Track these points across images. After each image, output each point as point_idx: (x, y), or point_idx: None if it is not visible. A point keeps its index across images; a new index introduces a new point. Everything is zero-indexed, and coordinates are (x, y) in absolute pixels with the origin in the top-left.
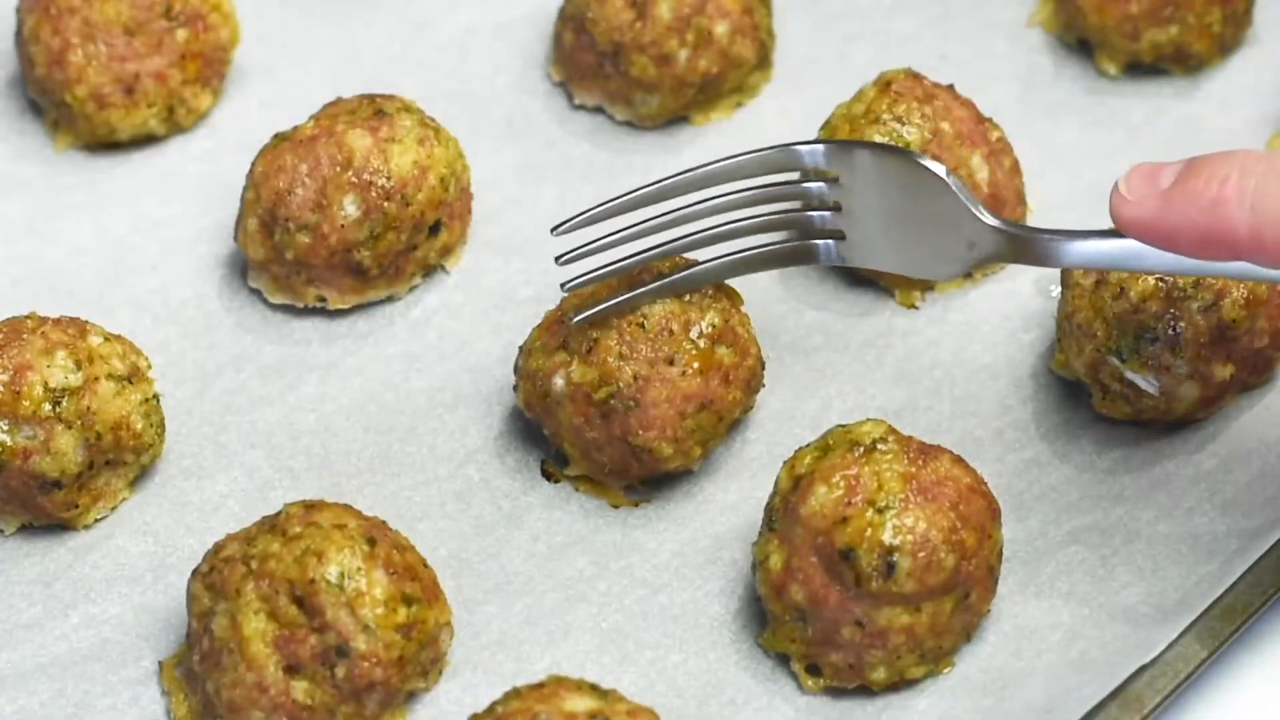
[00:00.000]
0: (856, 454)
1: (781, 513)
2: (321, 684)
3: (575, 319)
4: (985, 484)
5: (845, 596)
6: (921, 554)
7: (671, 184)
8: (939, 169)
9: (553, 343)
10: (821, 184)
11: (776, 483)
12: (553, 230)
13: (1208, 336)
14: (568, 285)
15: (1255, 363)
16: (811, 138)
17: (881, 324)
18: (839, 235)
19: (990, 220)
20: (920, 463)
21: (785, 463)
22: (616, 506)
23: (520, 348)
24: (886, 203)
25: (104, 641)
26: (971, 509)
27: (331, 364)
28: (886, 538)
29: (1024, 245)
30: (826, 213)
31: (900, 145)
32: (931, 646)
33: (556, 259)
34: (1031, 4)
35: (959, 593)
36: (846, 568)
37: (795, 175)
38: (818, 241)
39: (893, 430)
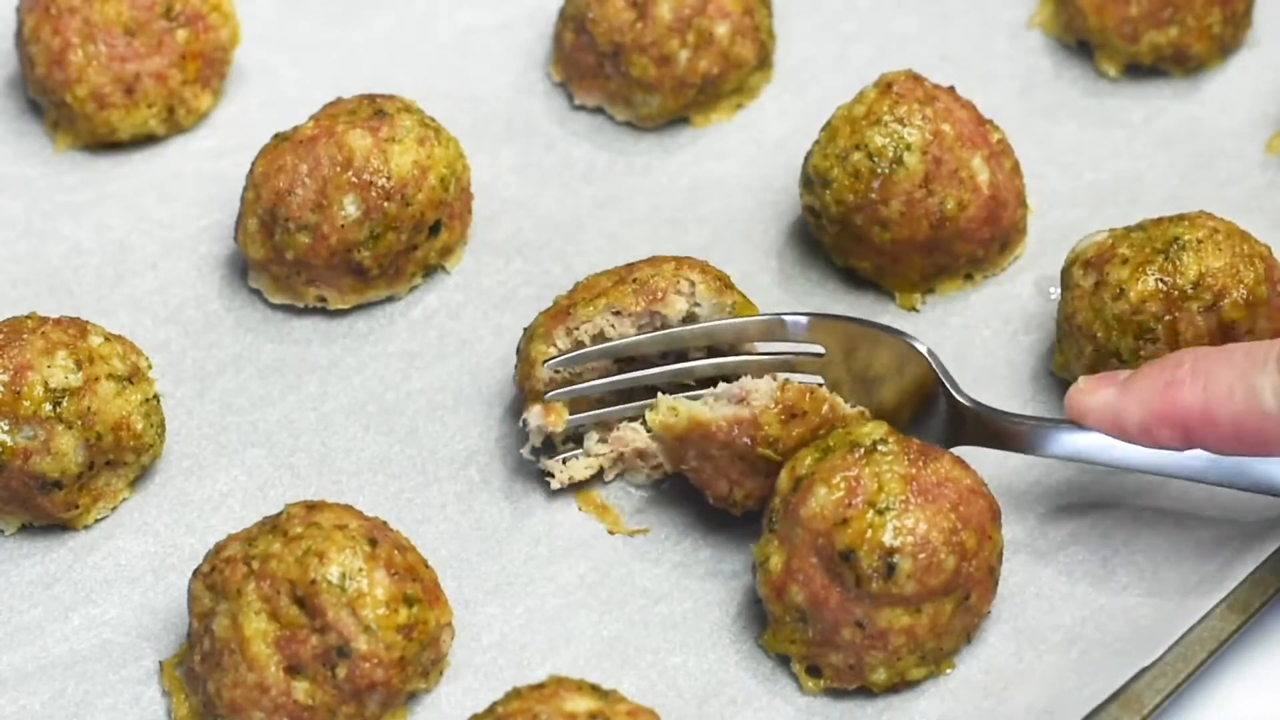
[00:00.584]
0: (857, 455)
1: (782, 514)
2: (322, 684)
3: (550, 395)
4: (985, 485)
5: (845, 598)
6: (922, 555)
7: (660, 339)
8: (921, 347)
9: (555, 330)
10: (804, 356)
11: (777, 484)
12: (545, 363)
13: (1208, 337)
14: (550, 395)
15: None
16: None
17: None
18: None
19: (966, 401)
20: (921, 464)
21: (786, 464)
22: (613, 533)
23: (525, 330)
24: (866, 376)
25: (105, 642)
26: (972, 510)
27: (331, 364)
28: (887, 539)
29: (997, 429)
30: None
31: (888, 325)
32: (932, 648)
33: (545, 362)
34: (1031, 5)
35: (959, 594)
36: (847, 569)
37: (781, 344)
38: None
39: (893, 431)
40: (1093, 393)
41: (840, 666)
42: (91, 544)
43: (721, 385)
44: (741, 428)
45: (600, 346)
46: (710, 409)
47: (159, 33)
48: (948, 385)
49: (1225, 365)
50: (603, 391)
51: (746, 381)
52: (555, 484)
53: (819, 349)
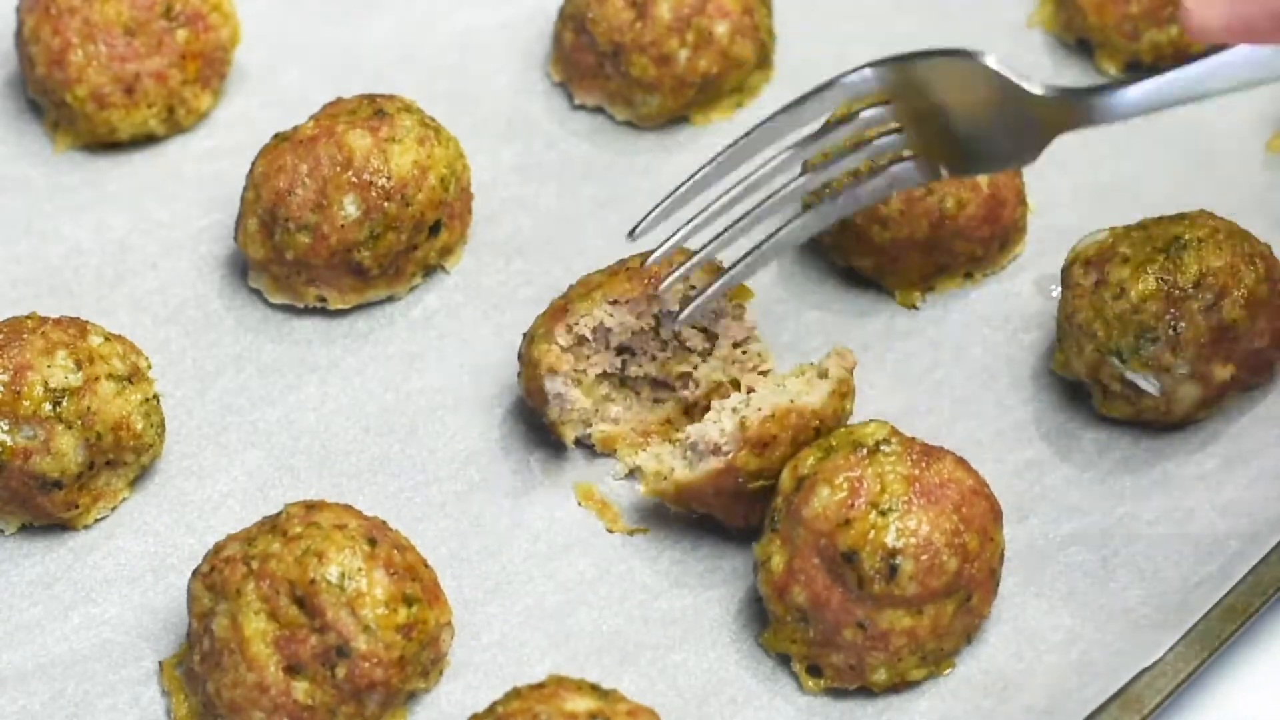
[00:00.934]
0: (860, 455)
1: (784, 513)
2: (322, 684)
3: (682, 317)
4: (987, 486)
5: (847, 598)
6: (924, 557)
7: (730, 154)
8: (982, 56)
9: (556, 329)
10: (878, 110)
11: (779, 483)
12: (630, 235)
13: (1208, 336)
14: (663, 288)
15: (1255, 363)
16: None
17: (881, 324)
18: (909, 156)
19: (1038, 91)
20: (923, 464)
21: (788, 463)
22: (612, 531)
23: (524, 334)
24: (941, 107)
25: (104, 642)
26: (974, 511)
27: (331, 364)
28: (889, 540)
29: (1075, 108)
30: (892, 137)
31: (940, 48)
32: (933, 648)
33: (642, 263)
34: (1031, 4)
35: (960, 595)
36: (849, 570)
37: (847, 111)
38: (895, 168)
39: (896, 432)
40: (1208, 6)
41: (841, 667)
42: (91, 544)
43: (692, 432)
44: (723, 477)
45: (673, 197)
46: (690, 467)
47: (159, 33)
48: (1018, 83)
49: None
50: (697, 266)
51: (709, 431)
52: (681, 322)
53: (883, 102)
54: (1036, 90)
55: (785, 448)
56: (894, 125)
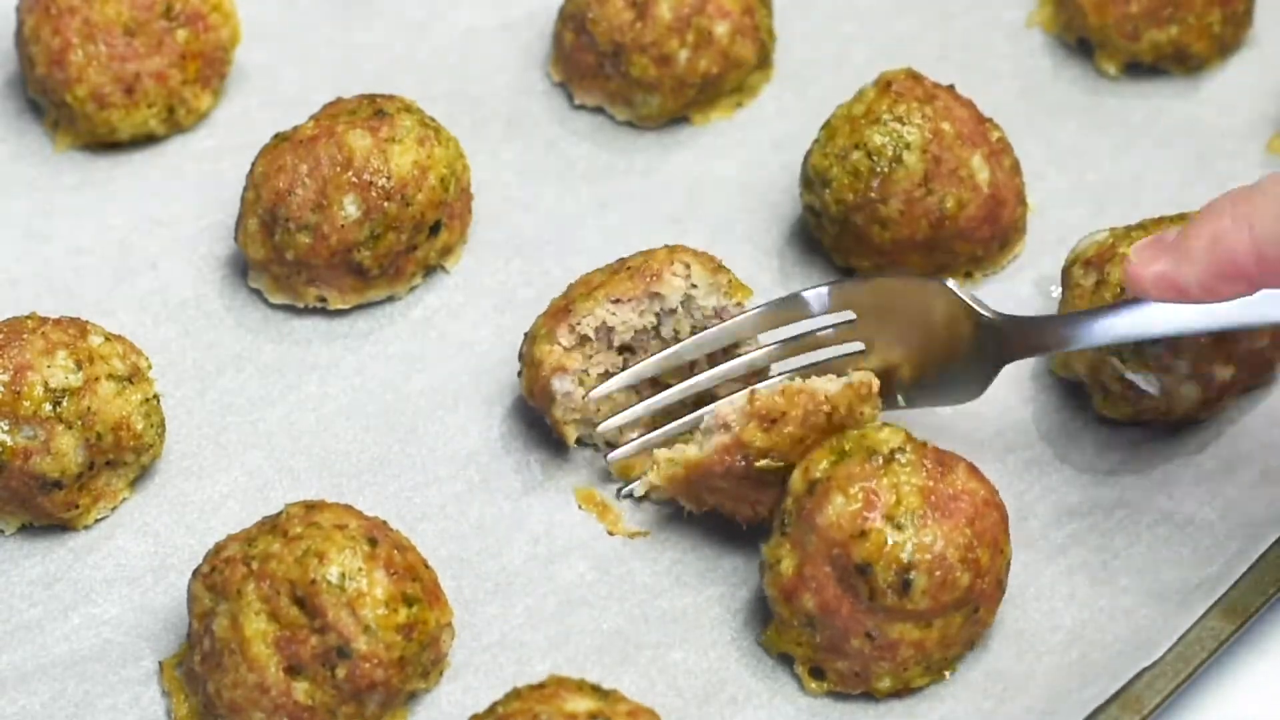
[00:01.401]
0: (875, 464)
1: (795, 516)
2: (322, 685)
3: (611, 456)
4: (998, 494)
5: (857, 608)
6: (938, 573)
7: (692, 345)
8: (949, 282)
9: (558, 329)
10: (839, 326)
11: (789, 484)
12: (588, 397)
13: (1208, 337)
14: (612, 457)
15: (1256, 363)
16: (826, 282)
17: None
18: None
19: (996, 316)
20: (938, 474)
21: (799, 465)
22: (612, 534)
23: (525, 334)
24: (902, 330)
25: (104, 642)
26: (986, 524)
27: (331, 364)
28: (904, 556)
29: (1029, 333)
30: (850, 353)
31: (903, 273)
32: (938, 659)
33: (607, 456)
34: (1031, 4)
35: (969, 608)
36: (862, 582)
37: (813, 321)
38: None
39: (910, 438)
40: (1148, 264)
41: (845, 673)
42: (91, 544)
43: (704, 413)
44: (731, 452)
45: (631, 370)
46: (700, 447)
47: (159, 33)
48: (979, 309)
49: (1265, 200)
50: (652, 411)
51: (719, 407)
52: (611, 460)
53: (850, 315)
54: (994, 316)
55: (795, 427)
56: (857, 343)
